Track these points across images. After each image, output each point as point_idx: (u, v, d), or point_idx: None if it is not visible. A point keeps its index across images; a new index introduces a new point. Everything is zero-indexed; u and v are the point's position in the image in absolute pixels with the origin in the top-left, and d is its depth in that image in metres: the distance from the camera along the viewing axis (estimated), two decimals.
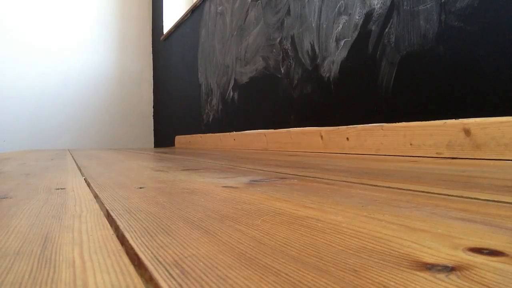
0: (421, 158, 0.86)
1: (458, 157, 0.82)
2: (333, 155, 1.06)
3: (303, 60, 1.42)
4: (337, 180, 0.45)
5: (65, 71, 3.43)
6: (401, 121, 0.99)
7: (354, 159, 0.89)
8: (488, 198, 0.31)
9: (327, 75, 1.28)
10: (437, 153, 0.87)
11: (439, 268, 0.15)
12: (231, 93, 2.02)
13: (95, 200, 0.33)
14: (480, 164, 0.66)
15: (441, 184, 0.40)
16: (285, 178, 0.48)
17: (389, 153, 1.00)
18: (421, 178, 0.46)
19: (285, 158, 0.96)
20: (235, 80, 1.99)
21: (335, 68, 1.24)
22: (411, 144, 0.94)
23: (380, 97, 1.07)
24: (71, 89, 3.38)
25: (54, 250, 0.18)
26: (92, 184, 0.43)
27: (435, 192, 0.34)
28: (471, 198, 0.31)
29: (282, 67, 1.55)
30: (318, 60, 1.33)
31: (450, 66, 0.88)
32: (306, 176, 0.50)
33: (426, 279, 0.14)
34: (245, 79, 1.89)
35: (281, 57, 1.56)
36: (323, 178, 0.47)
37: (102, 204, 0.30)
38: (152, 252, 0.17)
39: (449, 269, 0.14)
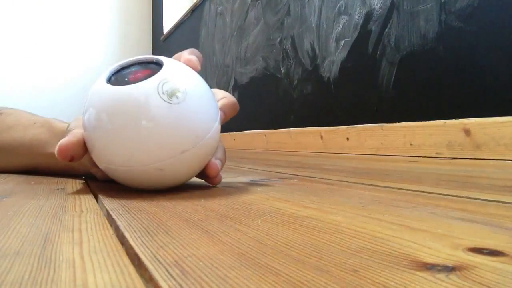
0: (421, 158, 0.86)
1: (458, 157, 0.82)
2: (333, 155, 1.06)
3: (303, 60, 1.42)
4: (337, 180, 0.45)
5: (65, 72, 3.43)
6: (401, 121, 0.99)
7: (354, 159, 0.89)
8: (487, 198, 0.31)
9: (327, 75, 1.28)
10: (437, 153, 0.87)
11: (439, 268, 0.15)
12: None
13: (95, 200, 0.33)
14: (480, 164, 0.66)
15: (441, 184, 0.40)
16: (285, 178, 0.48)
17: (389, 153, 1.00)
18: (421, 178, 0.46)
19: (285, 158, 0.96)
20: (235, 80, 1.99)
21: (335, 68, 1.24)
22: (411, 144, 0.94)
23: (380, 97, 1.07)
24: (71, 89, 3.38)
25: (54, 250, 0.18)
26: (92, 184, 0.43)
27: (435, 192, 0.34)
28: (471, 198, 0.31)
29: (282, 67, 1.55)
30: (318, 60, 1.33)
31: (450, 66, 0.88)
32: (306, 176, 0.50)
33: (426, 279, 0.14)
34: (245, 79, 1.89)
35: (281, 57, 1.56)
36: (323, 178, 0.47)
37: (102, 204, 0.30)
38: (152, 252, 0.17)
39: (449, 269, 0.14)
